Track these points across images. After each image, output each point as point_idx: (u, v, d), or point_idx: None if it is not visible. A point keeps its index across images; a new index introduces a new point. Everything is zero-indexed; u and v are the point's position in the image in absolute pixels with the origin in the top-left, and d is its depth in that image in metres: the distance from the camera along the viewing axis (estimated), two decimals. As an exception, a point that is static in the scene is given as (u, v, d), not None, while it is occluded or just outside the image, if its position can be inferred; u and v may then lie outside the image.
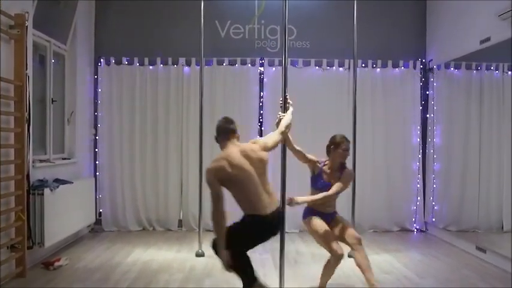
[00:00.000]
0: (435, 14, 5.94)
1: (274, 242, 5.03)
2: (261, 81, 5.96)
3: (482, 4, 4.75)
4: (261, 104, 5.94)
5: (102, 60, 5.90)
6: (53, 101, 4.99)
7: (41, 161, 4.65)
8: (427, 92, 6.01)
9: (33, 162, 4.32)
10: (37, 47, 4.72)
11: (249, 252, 4.39)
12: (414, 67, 6.02)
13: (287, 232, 3.53)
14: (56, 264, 4.19)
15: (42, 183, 4.31)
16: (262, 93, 5.95)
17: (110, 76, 5.89)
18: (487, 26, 4.63)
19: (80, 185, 5.08)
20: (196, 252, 4.70)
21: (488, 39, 4.62)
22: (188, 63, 5.90)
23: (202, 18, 4.70)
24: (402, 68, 6.02)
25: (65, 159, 5.25)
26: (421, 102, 6.02)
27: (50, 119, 4.97)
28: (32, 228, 4.08)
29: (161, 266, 4.35)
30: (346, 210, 5.77)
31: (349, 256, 4.68)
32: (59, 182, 4.60)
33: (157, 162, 5.89)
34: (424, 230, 6.02)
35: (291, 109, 3.39)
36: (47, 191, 4.21)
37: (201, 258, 4.63)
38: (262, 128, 5.91)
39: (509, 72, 4.74)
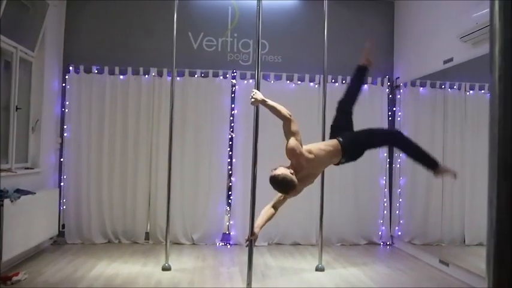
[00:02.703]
0: (402, 34, 6.13)
1: (242, 255, 5.07)
2: (233, 93, 5.99)
3: (446, 27, 4.96)
4: (232, 116, 5.95)
5: (71, 68, 5.79)
6: (17, 108, 4.87)
7: (2, 170, 4.49)
8: (394, 109, 6.16)
9: (-7, 171, 4.19)
10: (3, 52, 4.60)
11: (217, 267, 4.33)
12: (382, 84, 6.18)
13: (255, 245, 3.53)
14: (14, 278, 4.00)
15: (2, 194, 4.15)
16: (233, 105, 5.96)
17: (79, 85, 5.79)
18: (449, 47, 4.83)
19: (43, 196, 4.94)
20: (162, 266, 4.62)
21: (451, 59, 4.81)
22: (160, 74, 5.86)
23: (175, 29, 4.69)
24: (371, 84, 6.16)
25: (28, 168, 5.11)
26: (388, 119, 6.17)
27: (14, 127, 4.83)
28: (-12, 240, 3.93)
29: (126, 280, 4.24)
30: (314, 223, 5.86)
31: (316, 269, 4.72)
32: (20, 192, 4.45)
33: (125, 173, 5.80)
34: (390, 243, 6.12)
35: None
36: (7, 201, 4.05)
37: (168, 272, 4.54)
38: (233, 141, 5.92)
39: (471, 91, 4.93)
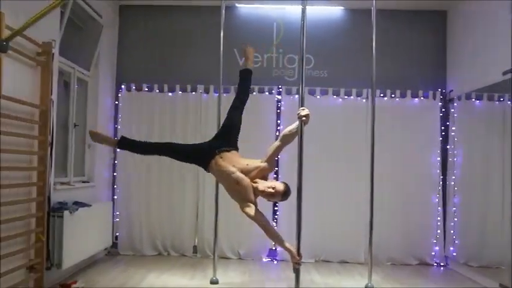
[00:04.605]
0: (456, 44, 5.92)
1: (288, 271, 5.02)
2: (278, 109, 6.01)
3: (504, 36, 4.71)
4: (277, 132, 5.95)
5: (123, 86, 6.04)
6: (75, 125, 5.11)
7: (61, 183, 4.74)
8: (448, 123, 5.95)
9: (54, 184, 4.39)
10: (62, 73, 4.86)
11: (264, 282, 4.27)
12: (434, 97, 5.98)
13: (303, 262, 3.49)
14: (73, 286, 4.23)
15: (62, 206, 4.36)
16: (279, 121, 5.98)
17: (131, 102, 6.01)
18: (509, 58, 4.58)
19: (98, 208, 5.14)
20: (210, 279, 4.67)
21: (510, 70, 4.56)
22: (207, 91, 5.99)
23: (221, 47, 4.80)
24: (422, 98, 5.99)
25: (84, 182, 5.34)
26: (441, 134, 5.96)
27: (72, 142, 5.07)
28: (50, 250, 4.12)
29: (174, 292, 4.34)
30: (362, 241, 5.73)
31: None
32: (78, 204, 4.65)
33: (173, 187, 5.93)
34: (445, 264, 5.85)
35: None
36: (66, 213, 4.26)
37: (215, 285, 4.59)
38: (279, 156, 5.89)
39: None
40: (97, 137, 3.98)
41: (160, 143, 4.19)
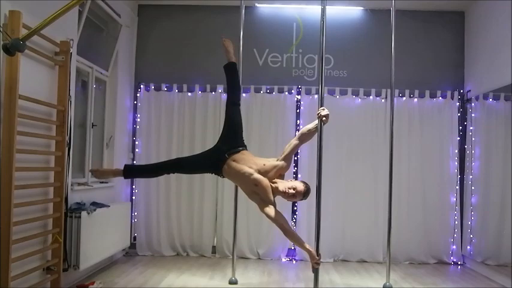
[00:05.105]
0: (474, 44, 5.87)
1: (307, 271, 5.01)
2: (298, 109, 6.00)
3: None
4: (297, 132, 5.92)
5: (141, 86, 6.04)
6: (93, 125, 5.12)
7: (79, 184, 4.73)
8: (465, 123, 5.90)
9: (71, 185, 4.39)
10: (80, 72, 4.86)
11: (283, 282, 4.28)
12: (452, 98, 5.94)
13: (322, 262, 3.47)
14: (91, 287, 4.23)
15: (80, 206, 4.35)
16: (298, 121, 5.96)
17: (149, 102, 6.02)
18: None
19: (116, 209, 5.14)
20: (229, 279, 4.67)
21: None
22: (226, 91, 5.97)
23: (241, 47, 4.79)
24: (440, 98, 5.95)
25: (102, 182, 5.33)
26: (459, 134, 5.92)
27: (90, 143, 5.08)
28: (68, 251, 4.11)
29: (194, 293, 4.33)
30: (380, 240, 5.71)
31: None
32: (96, 205, 4.65)
33: (192, 188, 5.93)
34: (462, 263, 5.83)
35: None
36: (84, 214, 4.25)
37: (234, 285, 4.59)
38: (298, 156, 5.90)
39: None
40: (99, 173, 3.98)
41: (166, 161, 4.08)
